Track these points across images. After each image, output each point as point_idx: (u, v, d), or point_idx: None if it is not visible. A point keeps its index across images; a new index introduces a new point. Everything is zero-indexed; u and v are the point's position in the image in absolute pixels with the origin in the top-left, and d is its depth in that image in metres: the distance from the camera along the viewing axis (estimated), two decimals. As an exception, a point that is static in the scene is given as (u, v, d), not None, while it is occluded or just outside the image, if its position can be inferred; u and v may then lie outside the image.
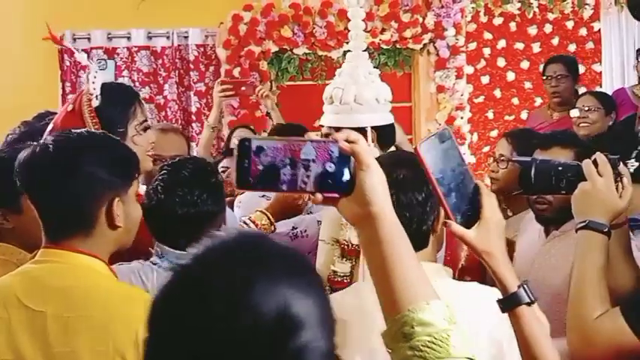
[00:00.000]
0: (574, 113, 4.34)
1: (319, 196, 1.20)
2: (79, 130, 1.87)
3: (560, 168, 1.91)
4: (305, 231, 3.11)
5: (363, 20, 2.81)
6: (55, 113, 3.24)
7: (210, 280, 0.98)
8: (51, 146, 1.77)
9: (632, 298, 1.87)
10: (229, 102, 5.54)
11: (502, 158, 3.16)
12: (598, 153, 1.90)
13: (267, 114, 5.61)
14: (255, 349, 0.95)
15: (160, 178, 2.22)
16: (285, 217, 2.84)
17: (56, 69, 5.79)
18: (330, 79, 5.78)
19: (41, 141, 1.82)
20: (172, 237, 2.20)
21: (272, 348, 0.95)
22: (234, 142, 4.26)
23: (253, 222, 2.62)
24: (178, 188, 2.17)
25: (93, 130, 1.86)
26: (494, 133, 6.08)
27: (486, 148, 5.98)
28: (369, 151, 1.20)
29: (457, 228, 1.42)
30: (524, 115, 6.00)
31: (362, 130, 2.57)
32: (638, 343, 1.76)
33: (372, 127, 2.64)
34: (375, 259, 1.19)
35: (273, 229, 2.73)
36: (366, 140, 2.54)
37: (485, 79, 6.19)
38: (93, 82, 2.35)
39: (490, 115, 6.20)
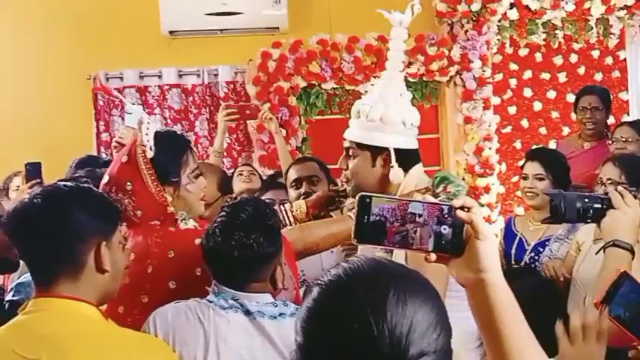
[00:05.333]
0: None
1: (434, 255, 1.31)
2: (66, 183, 1.97)
3: (586, 200, 2.12)
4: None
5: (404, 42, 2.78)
6: (97, 157, 3.33)
7: (354, 294, 1.12)
8: (39, 198, 1.87)
9: None
10: (259, 137, 5.63)
11: (610, 182, 3.22)
12: (620, 187, 2.18)
13: (298, 148, 5.70)
14: (390, 351, 1.08)
15: (218, 220, 2.27)
16: (323, 211, 2.95)
17: (90, 108, 5.90)
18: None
19: (31, 193, 1.91)
20: (229, 277, 2.25)
21: (401, 351, 1.08)
22: (238, 181, 4.36)
23: (290, 211, 2.63)
24: (235, 231, 2.21)
25: (80, 184, 1.99)
26: (522, 163, 6.09)
27: (515, 178, 5.98)
28: (483, 219, 1.30)
29: None
30: (552, 144, 6.01)
31: (384, 150, 2.57)
32: None
33: (397, 150, 2.59)
34: (487, 322, 1.31)
35: (307, 219, 2.81)
36: (390, 161, 2.54)
37: (512, 110, 6.22)
38: (146, 134, 2.40)
39: (518, 145, 6.22)
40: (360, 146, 2.61)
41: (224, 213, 2.29)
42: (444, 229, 1.29)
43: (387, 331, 1.08)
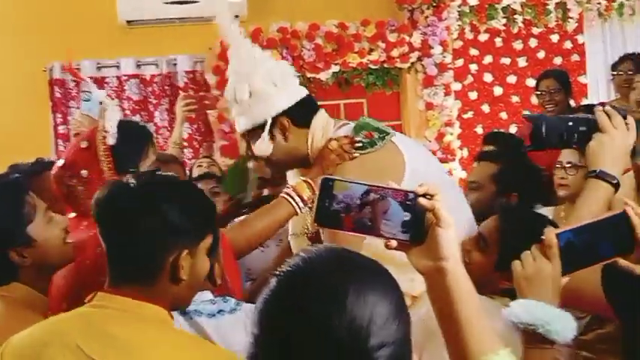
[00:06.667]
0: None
1: (394, 242, 1.29)
2: (166, 174, 1.81)
3: (570, 123, 1.93)
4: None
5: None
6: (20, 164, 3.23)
7: (313, 284, 1.09)
8: (133, 185, 1.69)
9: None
10: (221, 127, 5.58)
11: (570, 165, 3.20)
12: (607, 106, 1.93)
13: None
14: (350, 343, 1.05)
15: None
16: None
17: (47, 100, 5.81)
18: (318, 101, 5.90)
19: (125, 179, 1.74)
20: None
21: (361, 342, 1.05)
22: (197, 172, 4.31)
23: (299, 195, 2.45)
24: None
25: (170, 174, 1.80)
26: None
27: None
28: (445, 207, 1.28)
29: None
30: (512, 129, 6.05)
31: (274, 120, 2.43)
32: (598, 296, 1.79)
33: (284, 112, 2.43)
34: (445, 310, 1.30)
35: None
36: (286, 127, 2.40)
37: (473, 95, 6.24)
38: (110, 120, 2.32)
39: (479, 130, 6.23)
40: (250, 131, 2.47)
41: None
42: (406, 215, 1.28)
43: (346, 323, 1.05)
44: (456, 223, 1.31)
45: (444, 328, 1.32)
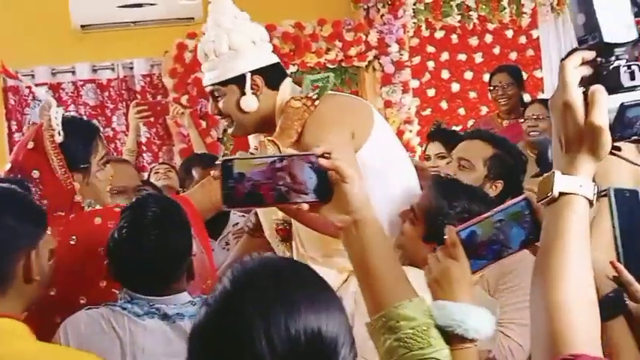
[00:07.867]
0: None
1: (305, 205, 1.32)
2: None
3: None
4: None
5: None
6: None
7: (246, 308, 1.02)
8: None
9: None
10: (179, 130, 5.53)
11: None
12: None
13: (219, 139, 5.63)
14: None
15: (126, 220, 2.12)
16: None
17: (0, 107, 5.71)
18: (278, 101, 5.87)
19: None
20: (145, 286, 2.10)
21: None
22: (154, 179, 4.27)
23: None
24: (148, 230, 2.07)
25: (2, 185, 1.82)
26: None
27: (437, 160, 6.03)
28: (347, 161, 1.32)
29: None
30: (470, 124, 6.09)
31: (243, 77, 2.51)
32: None
33: (258, 71, 2.54)
34: (360, 261, 1.33)
35: None
36: (258, 85, 2.48)
37: (431, 92, 6.27)
38: (55, 118, 2.29)
39: (438, 126, 6.27)
40: (223, 84, 2.54)
41: (129, 212, 2.14)
42: (310, 177, 1.31)
43: (290, 354, 0.99)
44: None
45: (360, 279, 1.34)
